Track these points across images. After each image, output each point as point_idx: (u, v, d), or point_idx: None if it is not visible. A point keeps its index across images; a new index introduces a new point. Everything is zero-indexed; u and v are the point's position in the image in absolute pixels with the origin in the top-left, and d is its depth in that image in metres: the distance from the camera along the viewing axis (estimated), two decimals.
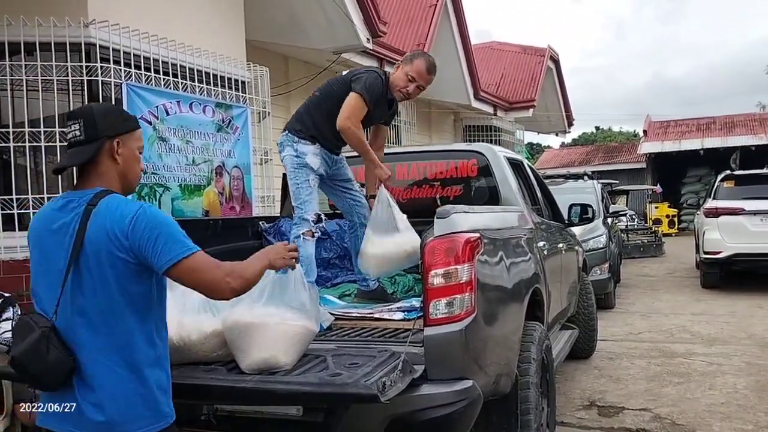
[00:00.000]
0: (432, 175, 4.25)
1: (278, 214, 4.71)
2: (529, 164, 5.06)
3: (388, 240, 3.27)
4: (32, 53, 4.82)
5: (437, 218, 2.60)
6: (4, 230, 4.81)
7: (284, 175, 4.88)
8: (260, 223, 4.31)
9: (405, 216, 3.35)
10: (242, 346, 2.36)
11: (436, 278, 2.51)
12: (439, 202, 4.10)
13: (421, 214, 3.84)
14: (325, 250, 4.16)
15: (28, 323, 1.87)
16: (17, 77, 4.82)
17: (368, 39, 8.11)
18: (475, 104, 13.04)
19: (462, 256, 2.53)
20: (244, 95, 6.34)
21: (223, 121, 5.96)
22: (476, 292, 2.56)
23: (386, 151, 3.99)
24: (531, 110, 15.19)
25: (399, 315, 3.16)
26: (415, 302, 3.26)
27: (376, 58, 9.24)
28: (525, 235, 3.61)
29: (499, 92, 15.06)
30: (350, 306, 3.44)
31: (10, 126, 4.84)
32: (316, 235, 3.52)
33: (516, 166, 4.43)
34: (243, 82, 6.42)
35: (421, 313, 2.59)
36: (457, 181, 4.17)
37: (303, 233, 3.45)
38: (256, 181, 6.44)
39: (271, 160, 6.70)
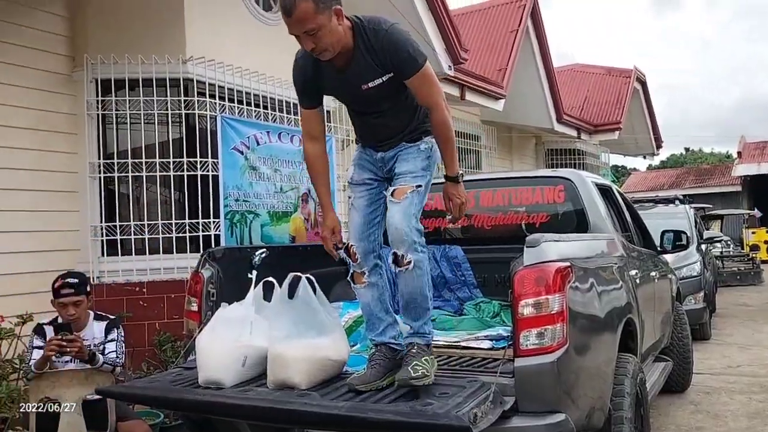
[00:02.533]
0: (517, 201, 4.20)
1: None
2: (618, 189, 4.93)
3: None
4: (135, 88, 5.15)
5: (527, 247, 2.57)
6: (107, 255, 5.12)
7: None
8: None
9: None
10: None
11: (526, 308, 2.47)
12: (524, 228, 4.05)
13: (506, 241, 3.83)
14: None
15: None
16: (121, 111, 5.17)
17: (450, 66, 8.15)
18: (558, 128, 12.82)
19: (553, 286, 2.48)
20: (328, 124, 6.51)
21: None
22: (568, 323, 2.50)
23: (470, 177, 3.90)
24: (617, 133, 14.78)
25: (486, 344, 3.13)
26: (502, 331, 3.22)
27: (458, 84, 9.21)
28: (616, 263, 3.51)
29: (583, 115, 14.76)
30: (435, 333, 3.40)
31: (115, 157, 5.18)
32: (367, 279, 2.75)
33: (604, 191, 4.32)
34: (327, 112, 6.59)
35: (510, 343, 2.56)
36: (543, 208, 4.12)
37: (352, 278, 2.83)
38: (339, 207, 6.56)
39: None
